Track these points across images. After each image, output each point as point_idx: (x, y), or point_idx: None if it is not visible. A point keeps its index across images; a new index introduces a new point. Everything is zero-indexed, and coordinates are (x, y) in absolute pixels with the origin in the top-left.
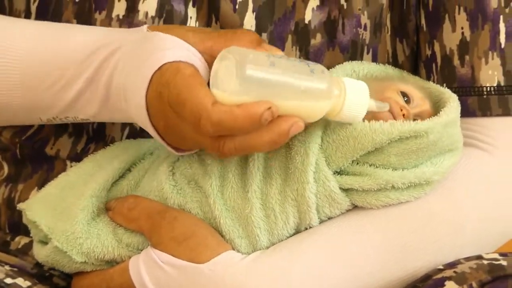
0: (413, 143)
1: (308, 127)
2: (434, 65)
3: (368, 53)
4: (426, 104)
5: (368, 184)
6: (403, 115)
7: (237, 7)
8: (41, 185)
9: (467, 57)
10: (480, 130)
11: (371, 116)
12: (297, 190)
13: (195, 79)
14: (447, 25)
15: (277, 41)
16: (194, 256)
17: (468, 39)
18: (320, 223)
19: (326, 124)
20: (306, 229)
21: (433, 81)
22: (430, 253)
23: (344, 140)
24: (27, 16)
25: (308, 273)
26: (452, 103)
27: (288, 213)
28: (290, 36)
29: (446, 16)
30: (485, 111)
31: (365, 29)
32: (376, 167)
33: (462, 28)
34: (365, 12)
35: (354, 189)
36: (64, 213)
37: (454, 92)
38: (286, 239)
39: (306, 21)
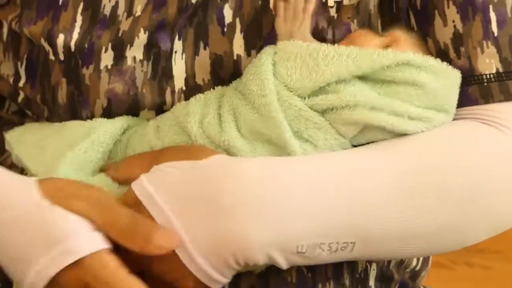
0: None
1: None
2: None
3: None
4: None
5: (332, 100)
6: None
7: (225, 29)
8: None
9: (462, 49)
10: (487, 113)
11: None
12: (263, 114)
13: (122, 270)
14: (438, 21)
15: None
16: (193, 158)
17: (461, 31)
18: None
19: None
20: None
21: None
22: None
23: (305, 73)
24: (17, 79)
25: (310, 172)
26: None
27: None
28: None
29: (436, 12)
30: (487, 99)
31: None
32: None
33: (453, 21)
34: (355, 20)
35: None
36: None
37: None
38: None
39: None
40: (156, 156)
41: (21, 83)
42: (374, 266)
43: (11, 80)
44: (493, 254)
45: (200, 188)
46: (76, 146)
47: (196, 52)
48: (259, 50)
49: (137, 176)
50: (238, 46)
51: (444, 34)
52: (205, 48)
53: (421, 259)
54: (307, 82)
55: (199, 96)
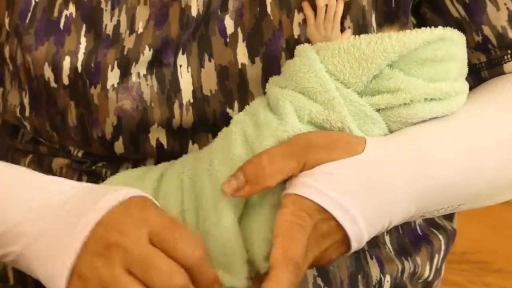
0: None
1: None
2: (490, 45)
3: None
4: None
5: (389, 100)
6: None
7: (228, 40)
8: None
9: None
10: None
11: None
12: (328, 108)
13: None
14: (490, 8)
15: (271, 60)
16: (352, 152)
17: None
18: None
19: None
20: None
21: (494, 53)
22: None
23: (355, 64)
24: (22, 110)
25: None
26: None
27: None
28: (283, 54)
29: (487, 0)
30: None
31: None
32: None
33: (505, 4)
34: (348, 17)
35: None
36: None
37: None
38: None
39: (296, 36)
40: (299, 150)
41: (26, 113)
42: (388, 277)
43: (17, 110)
44: (509, 274)
45: (374, 181)
46: None
47: (201, 65)
48: (262, 57)
49: (290, 168)
50: (242, 55)
51: (499, 18)
52: (209, 60)
53: (433, 269)
54: (360, 73)
55: (241, 112)
